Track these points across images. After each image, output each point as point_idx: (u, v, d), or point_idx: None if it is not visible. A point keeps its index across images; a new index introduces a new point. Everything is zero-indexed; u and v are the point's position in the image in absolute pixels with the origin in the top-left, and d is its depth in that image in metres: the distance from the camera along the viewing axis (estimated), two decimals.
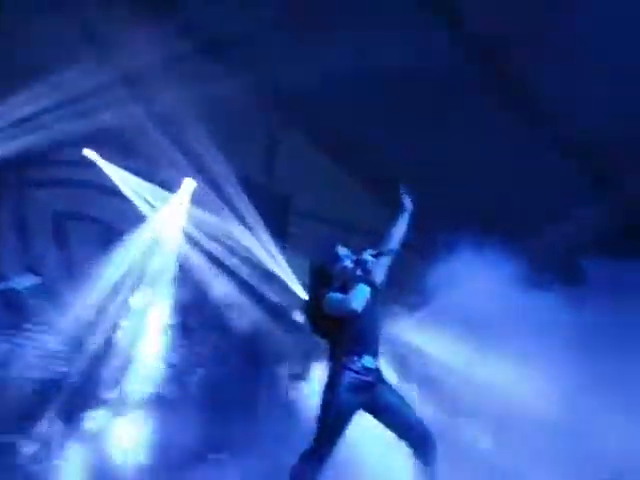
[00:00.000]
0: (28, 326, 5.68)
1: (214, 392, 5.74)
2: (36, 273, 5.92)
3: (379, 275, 3.12)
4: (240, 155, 7.03)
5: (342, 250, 3.07)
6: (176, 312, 5.86)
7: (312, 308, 2.98)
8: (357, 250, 3.04)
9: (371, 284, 2.89)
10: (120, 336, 5.51)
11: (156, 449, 4.52)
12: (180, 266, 6.35)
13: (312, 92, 6.81)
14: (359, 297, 2.79)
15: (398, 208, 3.23)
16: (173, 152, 6.49)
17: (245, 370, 6.44)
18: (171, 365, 5.42)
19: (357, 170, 8.33)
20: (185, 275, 6.22)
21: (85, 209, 6.47)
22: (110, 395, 5.12)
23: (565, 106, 6.16)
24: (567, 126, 6.33)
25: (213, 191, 6.98)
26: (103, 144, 6.33)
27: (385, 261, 3.16)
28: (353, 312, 2.79)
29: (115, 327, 5.64)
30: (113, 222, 6.54)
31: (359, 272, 2.93)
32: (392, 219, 3.24)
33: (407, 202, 3.23)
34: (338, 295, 2.88)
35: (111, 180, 6.50)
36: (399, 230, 3.25)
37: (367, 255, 2.95)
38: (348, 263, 2.99)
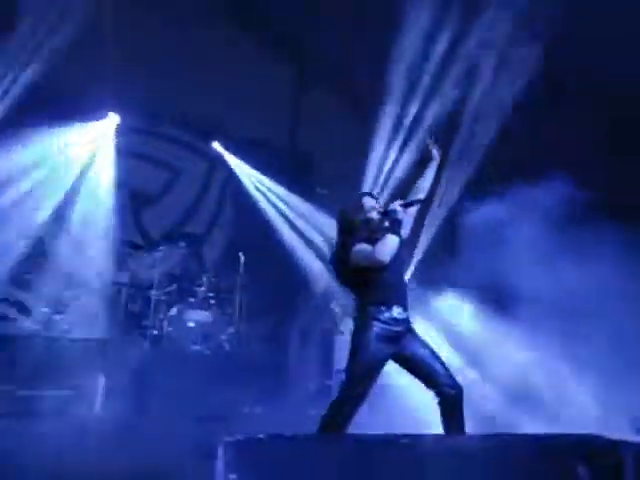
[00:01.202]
0: None
1: (246, 349, 5.88)
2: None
3: (406, 225, 3.09)
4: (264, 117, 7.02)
5: (369, 201, 3.03)
6: (207, 273, 5.94)
7: (339, 259, 2.95)
8: (385, 202, 3.01)
9: (398, 235, 2.86)
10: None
11: (193, 402, 4.66)
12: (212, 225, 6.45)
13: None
14: (387, 248, 2.76)
15: (426, 158, 3.18)
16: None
17: (276, 326, 6.60)
18: (204, 324, 5.52)
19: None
20: (217, 234, 6.31)
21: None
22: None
23: None
24: None
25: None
26: None
27: (413, 211, 3.13)
28: (381, 263, 2.77)
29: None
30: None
31: (387, 223, 2.90)
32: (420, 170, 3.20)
33: (435, 152, 3.18)
34: (365, 246, 2.85)
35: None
36: (427, 180, 3.22)
37: (395, 205, 2.91)
38: (374, 214, 2.96)
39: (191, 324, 5.46)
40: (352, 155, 7.48)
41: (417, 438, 1.41)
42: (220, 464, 1.23)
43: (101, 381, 4.81)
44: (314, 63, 7.89)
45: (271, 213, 6.97)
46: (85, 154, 6.14)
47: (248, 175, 7.15)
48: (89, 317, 6.15)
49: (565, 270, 4.79)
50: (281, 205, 7.05)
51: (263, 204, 6.97)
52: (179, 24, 6.38)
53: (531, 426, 4.20)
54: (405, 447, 1.40)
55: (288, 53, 7.80)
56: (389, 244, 2.78)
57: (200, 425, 4.32)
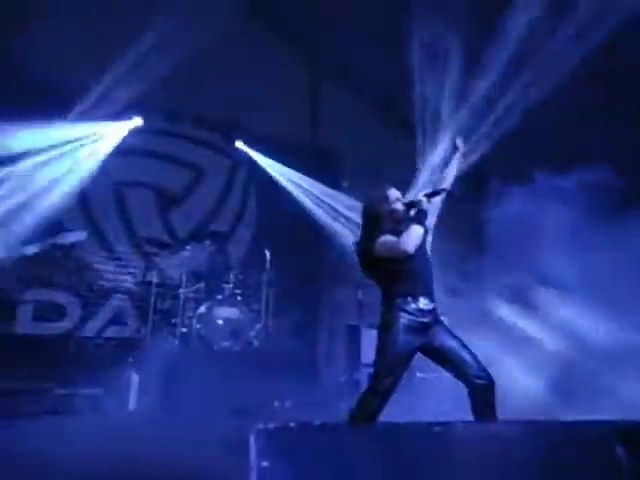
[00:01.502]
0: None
1: (274, 345, 5.91)
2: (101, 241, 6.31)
3: (432, 216, 3.07)
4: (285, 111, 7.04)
5: (394, 192, 3.01)
6: (233, 270, 5.99)
7: (364, 251, 2.95)
8: (410, 193, 3.02)
9: (423, 225, 2.83)
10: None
11: (224, 396, 4.72)
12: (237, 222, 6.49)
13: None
14: (412, 239, 2.74)
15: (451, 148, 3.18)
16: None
17: (303, 322, 6.63)
18: (232, 321, 5.58)
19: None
20: (242, 231, 6.37)
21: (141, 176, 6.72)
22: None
23: None
24: None
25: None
26: None
27: (437, 201, 3.11)
28: (405, 254, 2.74)
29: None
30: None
31: (412, 213, 2.88)
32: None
33: (459, 142, 3.17)
34: (390, 238, 2.83)
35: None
36: (451, 170, 3.21)
37: (420, 196, 2.90)
38: (399, 205, 2.95)
39: (219, 321, 5.52)
40: (374, 149, 7.48)
41: (449, 425, 1.39)
42: (252, 452, 1.24)
43: (134, 379, 4.92)
44: (330, 57, 7.89)
45: (298, 206, 6.98)
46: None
47: (273, 170, 7.18)
48: (120, 316, 6.32)
49: (599, 259, 4.71)
50: (308, 198, 7.06)
51: (289, 197, 6.97)
52: (195, 22, 6.43)
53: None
54: (437, 435, 1.38)
55: (305, 48, 7.82)
56: (414, 235, 2.75)
57: (230, 420, 4.38)
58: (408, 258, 2.79)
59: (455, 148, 3.21)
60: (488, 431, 1.48)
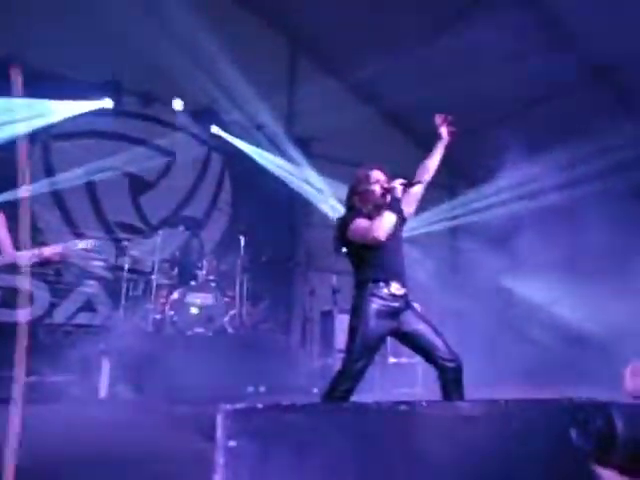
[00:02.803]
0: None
1: (248, 331, 5.91)
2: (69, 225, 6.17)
3: (411, 205, 3.08)
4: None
5: (376, 173, 3.00)
6: (207, 256, 5.94)
7: (340, 232, 2.96)
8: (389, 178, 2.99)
9: (398, 212, 2.85)
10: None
11: (197, 382, 4.71)
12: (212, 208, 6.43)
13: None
14: (383, 226, 2.75)
15: (435, 138, 3.12)
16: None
17: (277, 308, 6.64)
18: (206, 307, 5.55)
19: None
20: (217, 217, 6.31)
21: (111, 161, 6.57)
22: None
23: None
24: None
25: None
26: None
27: (417, 192, 3.09)
28: (375, 240, 2.76)
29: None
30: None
31: (388, 199, 2.89)
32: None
33: (443, 132, 3.10)
34: (364, 221, 2.84)
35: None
36: (433, 161, 3.14)
37: (396, 183, 2.90)
38: (376, 187, 2.95)
39: (193, 307, 5.48)
40: (351, 136, 7.47)
41: (414, 404, 1.42)
42: (219, 432, 1.24)
43: (105, 366, 4.85)
44: (310, 44, 7.82)
45: (273, 191, 6.93)
46: None
47: (248, 154, 7.10)
48: (90, 303, 6.21)
49: None
50: (285, 174, 7.03)
51: (264, 183, 6.92)
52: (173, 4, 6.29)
53: None
54: (403, 413, 1.41)
55: (285, 34, 7.72)
56: (385, 222, 2.76)
57: (204, 406, 4.37)
58: (381, 244, 2.81)
59: (439, 137, 3.14)
60: (453, 410, 1.51)
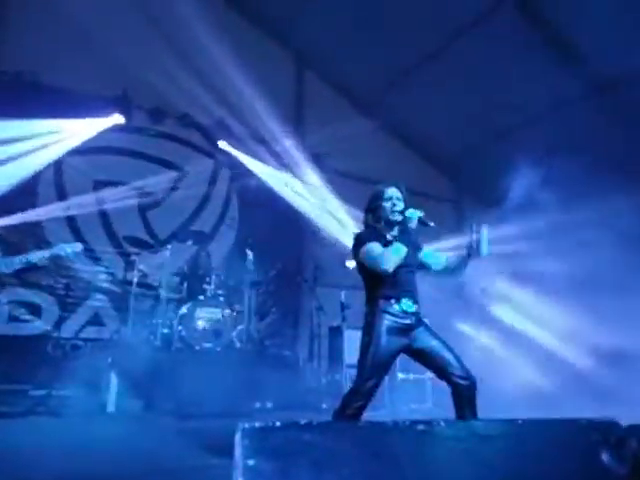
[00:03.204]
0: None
1: (256, 346, 5.88)
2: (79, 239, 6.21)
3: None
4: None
5: (390, 191, 3.00)
6: (215, 271, 5.95)
7: (355, 248, 2.97)
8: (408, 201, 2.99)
9: (409, 242, 2.84)
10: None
11: (205, 397, 4.69)
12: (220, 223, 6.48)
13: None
14: (393, 258, 2.78)
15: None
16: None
17: (285, 323, 6.61)
18: (214, 322, 5.54)
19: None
20: (225, 232, 6.34)
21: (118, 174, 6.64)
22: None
23: None
24: None
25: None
26: None
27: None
28: (384, 272, 2.79)
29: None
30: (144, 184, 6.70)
31: (400, 218, 2.91)
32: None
33: (472, 249, 2.92)
34: (376, 247, 2.85)
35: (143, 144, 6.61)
36: (452, 267, 3.08)
37: (416, 213, 2.89)
38: (389, 205, 2.95)
39: (201, 322, 5.48)
40: (360, 151, 7.52)
41: (432, 424, 1.41)
42: (237, 450, 1.24)
43: (113, 380, 4.84)
44: (317, 59, 7.91)
45: (281, 207, 6.96)
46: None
47: (255, 169, 7.15)
48: (99, 317, 6.22)
49: None
50: (295, 195, 7.07)
51: (272, 197, 6.95)
52: (183, 19, 6.41)
53: None
54: (420, 433, 1.40)
55: (292, 48, 7.82)
56: (395, 254, 2.79)
57: (212, 421, 4.35)
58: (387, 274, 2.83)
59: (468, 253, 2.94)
60: (470, 429, 1.50)
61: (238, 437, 1.24)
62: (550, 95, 6.67)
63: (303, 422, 1.35)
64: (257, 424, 1.29)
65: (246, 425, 1.25)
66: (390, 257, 2.77)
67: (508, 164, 6.13)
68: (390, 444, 1.38)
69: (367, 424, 1.41)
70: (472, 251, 2.92)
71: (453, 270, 3.07)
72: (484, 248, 2.87)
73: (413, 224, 2.88)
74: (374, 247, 2.85)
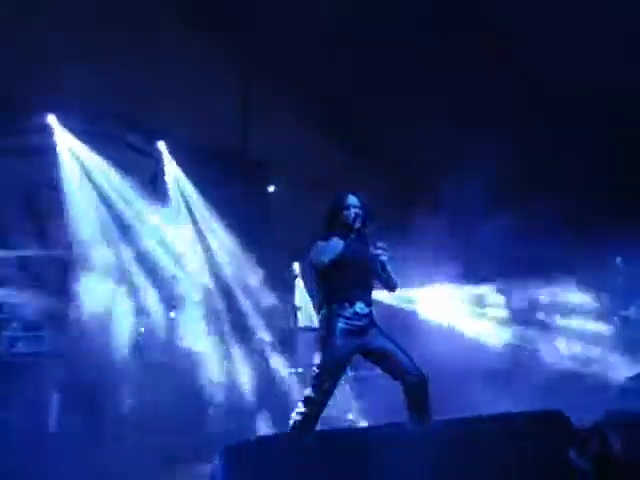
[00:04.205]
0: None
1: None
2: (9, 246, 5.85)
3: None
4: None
5: (349, 199, 3.08)
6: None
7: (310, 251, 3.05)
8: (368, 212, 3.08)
9: (344, 238, 2.95)
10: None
11: (154, 412, 4.57)
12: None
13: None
14: (326, 250, 2.90)
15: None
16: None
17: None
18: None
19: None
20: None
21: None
22: None
23: None
24: None
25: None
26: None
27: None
28: (321, 264, 2.91)
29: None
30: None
31: (357, 225, 3.01)
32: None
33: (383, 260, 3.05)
34: (317, 245, 2.97)
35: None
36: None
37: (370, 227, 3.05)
38: (347, 212, 3.03)
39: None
40: (305, 158, 7.57)
41: (398, 427, 1.50)
42: (218, 468, 1.26)
43: (54, 398, 4.61)
44: (264, 66, 7.85)
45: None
46: None
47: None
48: (38, 329, 5.87)
49: None
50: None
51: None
52: (128, 24, 6.21)
53: None
54: (388, 437, 1.48)
55: (239, 57, 7.71)
56: (330, 247, 2.90)
57: (159, 436, 4.24)
58: (345, 265, 2.92)
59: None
60: (430, 429, 1.60)
61: (217, 458, 1.26)
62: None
63: (273, 434, 1.40)
64: (233, 443, 1.32)
65: (226, 445, 1.27)
66: (324, 250, 2.89)
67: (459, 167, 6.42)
68: (358, 449, 1.46)
69: (338, 432, 1.47)
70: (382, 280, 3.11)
71: (387, 287, 3.19)
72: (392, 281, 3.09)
73: (366, 235, 3.01)
74: (318, 244, 2.96)
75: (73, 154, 6.27)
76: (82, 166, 6.31)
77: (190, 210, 6.85)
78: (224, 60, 7.54)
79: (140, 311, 5.50)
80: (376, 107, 7.33)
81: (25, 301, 5.88)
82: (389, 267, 3.03)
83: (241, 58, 7.63)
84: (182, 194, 6.94)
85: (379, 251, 2.95)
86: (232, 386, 5.26)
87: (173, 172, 6.86)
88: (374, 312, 3.08)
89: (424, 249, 6.08)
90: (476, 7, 6.06)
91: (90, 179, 6.33)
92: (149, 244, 6.23)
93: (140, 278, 5.82)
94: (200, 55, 7.07)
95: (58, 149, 6.19)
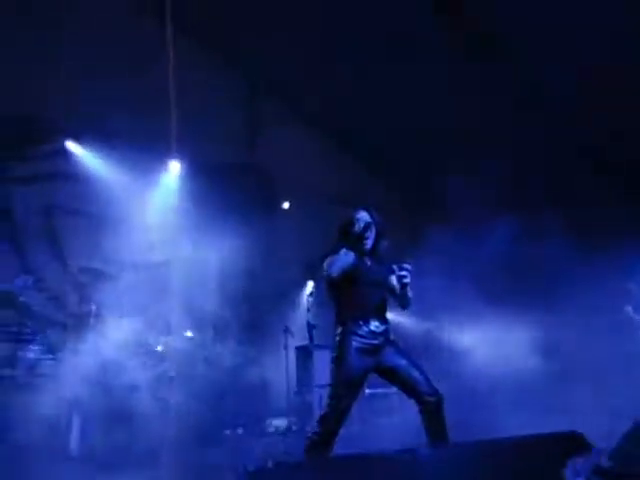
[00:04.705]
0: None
1: (222, 371, 5.81)
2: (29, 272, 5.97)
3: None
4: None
5: (360, 214, 3.11)
6: (177, 297, 5.85)
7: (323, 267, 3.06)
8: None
9: (355, 251, 2.97)
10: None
11: (173, 429, 4.58)
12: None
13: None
14: (336, 264, 2.91)
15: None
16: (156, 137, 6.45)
17: (252, 347, 6.55)
18: (177, 349, 5.44)
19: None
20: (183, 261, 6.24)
21: (72, 202, 6.43)
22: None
23: None
24: None
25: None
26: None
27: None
28: (330, 278, 2.93)
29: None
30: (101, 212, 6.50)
31: (368, 240, 3.04)
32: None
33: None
34: (329, 259, 2.98)
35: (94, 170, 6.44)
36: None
37: (383, 244, 3.09)
38: (355, 228, 3.04)
39: (164, 351, 5.36)
40: (312, 168, 7.63)
41: (415, 452, 1.49)
42: None
43: (75, 420, 4.64)
44: (267, 77, 7.96)
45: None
46: None
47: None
48: (56, 351, 5.94)
49: None
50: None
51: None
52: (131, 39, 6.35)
53: None
54: (405, 462, 1.48)
55: (241, 67, 7.84)
56: (339, 260, 2.90)
57: (184, 452, 4.26)
58: (360, 283, 2.94)
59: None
60: (450, 452, 1.59)
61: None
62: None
63: (293, 461, 1.41)
64: (250, 467, 1.33)
65: (242, 468, 1.29)
66: (335, 263, 2.89)
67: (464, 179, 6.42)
68: (377, 474, 1.46)
69: (355, 457, 1.47)
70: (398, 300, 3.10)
71: (401, 305, 3.15)
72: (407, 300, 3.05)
73: (382, 250, 3.03)
74: (329, 258, 2.96)
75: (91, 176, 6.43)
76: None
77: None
78: (233, 74, 7.64)
79: (159, 331, 5.52)
80: (390, 122, 7.39)
81: (44, 322, 6.00)
82: (409, 289, 3.00)
83: (251, 72, 7.72)
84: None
85: (403, 272, 2.92)
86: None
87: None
88: (390, 330, 3.06)
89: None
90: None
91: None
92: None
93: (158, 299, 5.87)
94: (210, 70, 7.16)
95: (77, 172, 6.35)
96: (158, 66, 6.61)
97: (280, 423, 5.36)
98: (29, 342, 5.83)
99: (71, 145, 6.31)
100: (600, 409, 4.37)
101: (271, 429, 5.30)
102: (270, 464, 1.34)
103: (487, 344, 6.25)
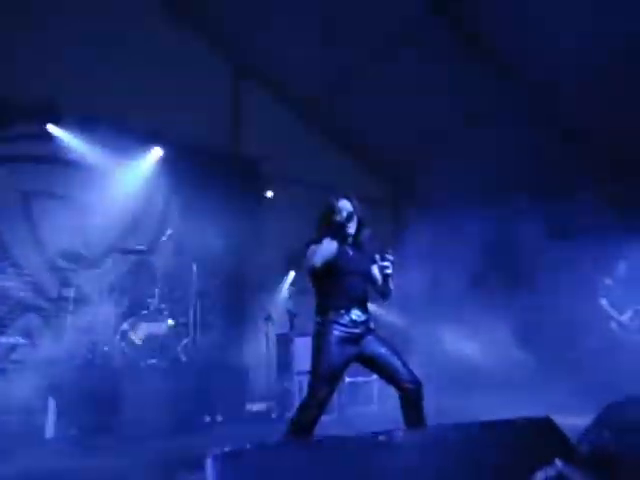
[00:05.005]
0: None
1: (203, 359, 5.80)
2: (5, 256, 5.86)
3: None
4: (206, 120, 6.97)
5: (342, 203, 3.08)
6: (158, 283, 5.79)
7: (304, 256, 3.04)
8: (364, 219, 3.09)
9: (337, 239, 2.96)
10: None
11: (152, 415, 4.57)
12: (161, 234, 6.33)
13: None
14: (319, 253, 2.89)
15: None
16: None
17: (232, 333, 6.55)
18: (158, 336, 5.40)
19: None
20: (166, 243, 6.18)
21: (52, 186, 6.32)
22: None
23: None
24: None
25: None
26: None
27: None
28: (313, 267, 2.90)
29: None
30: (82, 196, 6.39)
31: (350, 229, 3.02)
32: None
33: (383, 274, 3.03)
34: (311, 249, 2.96)
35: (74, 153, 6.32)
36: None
37: (365, 232, 3.06)
38: (338, 217, 3.03)
39: (143, 337, 5.32)
40: (296, 156, 7.60)
41: (391, 434, 1.51)
42: (210, 476, 1.27)
43: (51, 404, 4.60)
44: (252, 63, 7.88)
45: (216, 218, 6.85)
46: None
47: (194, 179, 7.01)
48: (32, 336, 5.87)
49: None
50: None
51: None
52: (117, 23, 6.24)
53: None
54: (382, 444, 1.49)
55: (226, 53, 7.75)
56: (322, 249, 2.89)
57: (162, 439, 4.26)
58: (341, 272, 2.94)
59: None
60: (425, 435, 1.61)
61: (209, 462, 1.27)
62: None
63: (269, 443, 1.40)
64: (227, 448, 1.33)
65: (216, 450, 1.28)
66: (316, 252, 2.87)
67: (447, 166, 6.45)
68: (355, 457, 1.47)
69: (330, 440, 1.48)
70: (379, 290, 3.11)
71: (381, 295, 3.16)
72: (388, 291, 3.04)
73: (365, 240, 3.02)
74: (311, 248, 2.94)
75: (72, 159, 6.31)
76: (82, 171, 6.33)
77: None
78: (217, 59, 7.57)
79: (139, 317, 5.47)
80: (375, 108, 7.38)
81: (22, 308, 5.91)
82: (391, 279, 3.01)
83: (235, 56, 7.65)
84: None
85: (386, 263, 2.92)
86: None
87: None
88: (371, 319, 3.08)
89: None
90: None
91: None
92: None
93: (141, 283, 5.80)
94: (194, 55, 7.08)
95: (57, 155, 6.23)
96: (142, 49, 6.55)
97: (260, 409, 5.39)
98: (6, 327, 5.76)
99: (52, 128, 6.17)
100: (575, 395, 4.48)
101: (251, 415, 5.31)
102: (246, 447, 1.33)
103: (468, 334, 6.33)
